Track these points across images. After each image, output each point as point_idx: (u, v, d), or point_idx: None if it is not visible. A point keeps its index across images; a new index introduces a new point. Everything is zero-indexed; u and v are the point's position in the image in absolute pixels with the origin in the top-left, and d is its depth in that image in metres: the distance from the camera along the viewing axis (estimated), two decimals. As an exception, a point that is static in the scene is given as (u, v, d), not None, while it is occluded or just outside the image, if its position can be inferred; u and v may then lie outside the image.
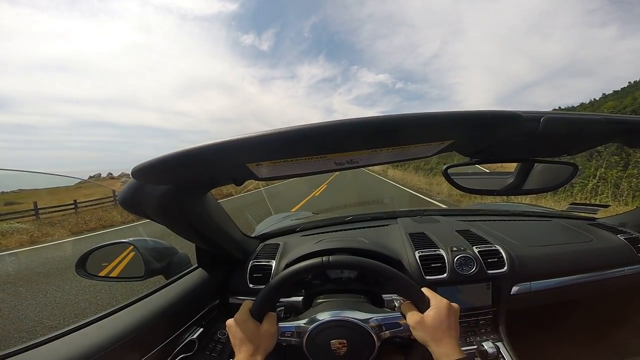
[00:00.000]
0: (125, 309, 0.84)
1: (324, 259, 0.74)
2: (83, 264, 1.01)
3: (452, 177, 0.78)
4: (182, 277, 1.03)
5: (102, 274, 1.03)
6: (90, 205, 13.36)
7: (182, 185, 0.64)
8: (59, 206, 12.47)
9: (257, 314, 0.71)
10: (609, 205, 1.77)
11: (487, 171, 0.87)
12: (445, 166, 0.78)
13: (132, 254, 1.05)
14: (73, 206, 12.82)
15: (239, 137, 0.44)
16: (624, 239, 1.27)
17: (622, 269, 1.17)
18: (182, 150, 0.47)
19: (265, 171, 0.56)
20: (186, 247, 1.15)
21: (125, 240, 1.02)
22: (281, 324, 0.73)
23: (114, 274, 1.05)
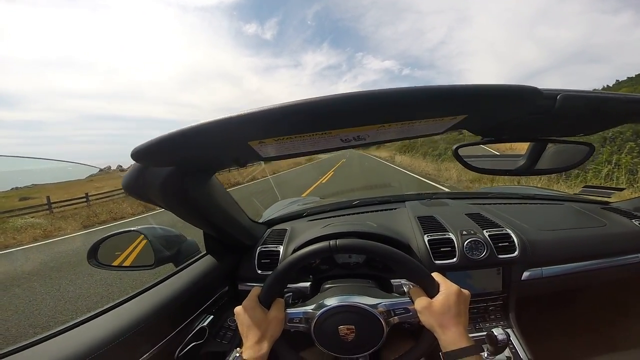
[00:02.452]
0: (136, 298, 0.85)
1: (330, 243, 0.72)
2: (94, 254, 1.02)
3: (463, 156, 0.76)
4: (190, 265, 1.04)
5: (114, 263, 1.04)
6: (102, 198, 13.55)
7: (185, 168, 0.64)
8: (71, 200, 12.67)
9: (265, 301, 0.70)
10: (624, 189, 1.72)
11: (498, 153, 0.84)
12: (455, 146, 0.75)
13: (141, 243, 1.06)
14: (85, 199, 13.00)
15: (240, 113, 0.42)
16: (639, 223, 1.23)
17: (637, 255, 1.14)
18: (181, 129, 0.45)
19: (269, 150, 0.54)
20: (195, 235, 1.16)
21: (135, 228, 1.03)
22: (289, 310, 0.73)
23: (125, 263, 1.06)
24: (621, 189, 1.66)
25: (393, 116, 0.46)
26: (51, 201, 11.86)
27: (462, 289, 0.66)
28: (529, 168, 0.78)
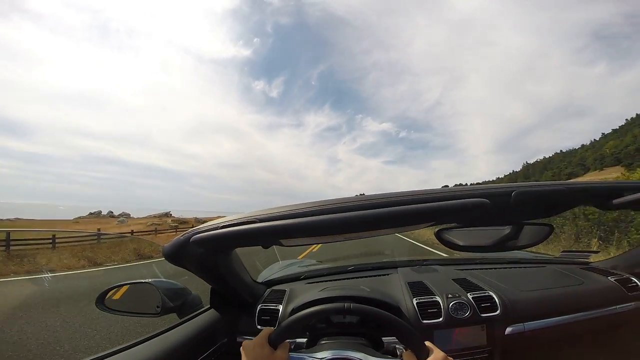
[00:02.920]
0: (144, 343, 0.91)
1: (345, 305, 0.84)
2: (102, 300, 1.10)
3: (444, 238, 0.89)
4: (195, 317, 1.10)
5: (120, 308, 1.11)
6: (69, 243, 12.54)
7: (222, 248, 0.80)
8: (36, 239, 11.77)
9: (275, 341, 0.77)
10: (599, 252, 1.84)
11: (477, 228, 0.97)
12: (437, 229, 0.88)
13: (142, 291, 1.13)
14: (50, 241, 12.09)
15: (280, 223, 0.60)
16: (614, 280, 1.33)
17: (614, 307, 1.23)
18: (235, 229, 0.63)
19: (291, 242, 0.71)
20: (195, 288, 1.24)
21: (145, 280, 1.11)
22: (292, 354, 0.79)
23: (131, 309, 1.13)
24: (596, 252, 1.77)
25: (382, 226, 0.62)
26: (10, 238, 10.89)
27: (448, 357, 0.72)
28: (502, 244, 0.90)
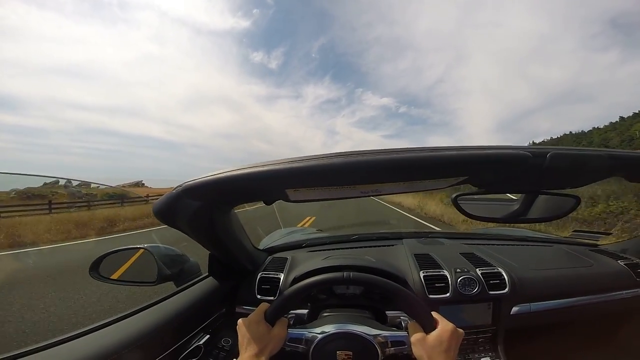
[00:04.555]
0: (139, 313, 0.87)
1: (345, 274, 0.78)
2: (96, 267, 1.05)
3: (461, 204, 0.83)
4: (193, 285, 1.06)
5: (115, 277, 1.06)
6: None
7: (217, 203, 0.70)
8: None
9: (271, 317, 0.73)
10: (611, 233, 1.79)
11: (495, 197, 0.92)
12: (454, 195, 0.82)
13: (138, 258, 1.09)
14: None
15: (286, 166, 0.51)
16: (624, 264, 1.29)
17: (621, 292, 1.20)
18: (232, 173, 0.53)
19: (299, 195, 0.61)
20: (195, 255, 1.19)
21: (141, 246, 1.06)
22: (291, 330, 0.76)
23: (127, 278, 1.08)
24: (608, 233, 1.73)
25: (407, 177, 0.54)
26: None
27: (457, 328, 0.69)
28: (520, 216, 0.85)
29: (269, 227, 2.08)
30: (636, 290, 1.21)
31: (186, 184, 0.60)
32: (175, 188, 0.63)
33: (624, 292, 1.20)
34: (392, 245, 1.50)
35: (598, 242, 1.66)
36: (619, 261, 1.32)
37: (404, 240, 1.57)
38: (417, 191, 0.70)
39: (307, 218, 8.83)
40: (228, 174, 0.54)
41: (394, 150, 0.51)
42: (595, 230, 1.75)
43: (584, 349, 1.33)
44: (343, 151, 0.52)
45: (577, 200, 0.79)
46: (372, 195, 0.66)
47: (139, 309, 0.89)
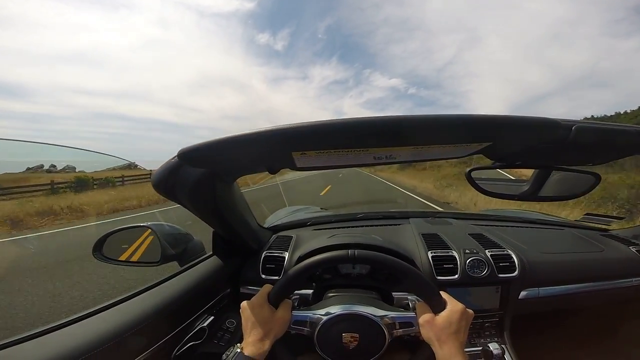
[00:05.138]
0: (140, 296, 0.86)
1: (349, 252, 0.75)
2: (100, 248, 1.04)
3: (475, 180, 0.79)
4: (196, 265, 1.05)
5: (119, 257, 1.05)
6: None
7: (219, 171, 0.66)
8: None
9: (275, 300, 0.72)
10: (624, 218, 1.75)
11: (509, 176, 0.88)
12: (469, 169, 0.78)
13: (148, 239, 1.07)
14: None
15: (292, 125, 0.46)
16: (636, 250, 1.27)
17: (631, 279, 1.18)
18: (233, 135, 0.49)
19: (307, 160, 0.57)
20: (200, 235, 1.18)
21: (144, 224, 1.04)
22: (295, 313, 0.74)
23: (132, 258, 1.07)
24: (621, 218, 1.69)
25: (429, 140, 0.50)
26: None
27: (467, 309, 0.67)
28: (533, 194, 0.80)
29: (275, 207, 2.06)
30: None
31: (183, 149, 0.55)
32: (174, 156, 0.60)
33: (634, 279, 1.18)
34: (399, 225, 1.48)
35: (609, 227, 1.63)
36: (630, 247, 1.29)
37: (411, 219, 1.55)
38: (432, 159, 0.66)
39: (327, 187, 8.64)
40: (231, 135, 0.50)
41: (408, 115, 0.47)
42: (607, 214, 1.70)
43: (591, 337, 1.32)
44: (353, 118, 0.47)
45: (598, 177, 0.74)
46: (386, 163, 0.61)
47: (141, 290, 0.88)
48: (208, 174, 0.65)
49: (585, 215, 1.72)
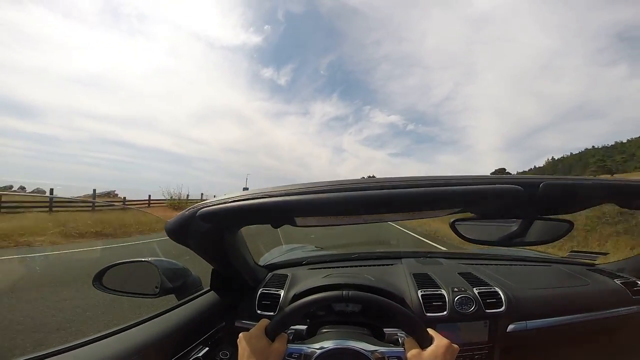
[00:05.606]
0: (140, 325, 0.89)
1: (344, 293, 0.80)
2: (100, 279, 1.07)
3: (458, 229, 0.86)
4: (194, 299, 1.08)
5: (118, 288, 1.08)
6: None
7: (228, 224, 0.75)
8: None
9: (272, 332, 0.75)
10: (608, 253, 1.81)
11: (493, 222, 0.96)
12: (452, 220, 0.86)
13: (141, 271, 1.10)
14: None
15: (296, 198, 0.56)
16: (620, 282, 1.30)
17: (618, 309, 1.21)
18: (245, 203, 0.58)
19: (305, 222, 0.66)
20: (196, 268, 1.21)
21: (145, 259, 1.08)
22: (290, 345, 0.77)
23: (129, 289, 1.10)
24: (605, 254, 1.74)
25: (407, 209, 0.59)
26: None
27: (452, 344, 0.71)
28: (515, 240, 0.88)
29: (271, 242, 2.09)
30: (632, 307, 1.22)
31: (202, 210, 0.64)
32: (189, 209, 0.68)
33: (621, 309, 1.21)
34: (392, 265, 1.52)
35: (595, 262, 1.67)
36: (615, 280, 1.33)
37: (403, 259, 1.60)
38: (416, 218, 0.75)
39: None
40: (242, 202, 0.59)
41: (396, 182, 0.56)
42: (592, 250, 1.76)
43: None
44: (349, 180, 0.57)
45: (571, 224, 0.82)
46: (374, 222, 0.71)
47: (139, 321, 0.90)
48: (218, 226, 0.73)
49: (570, 252, 1.78)
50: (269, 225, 0.72)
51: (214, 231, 0.75)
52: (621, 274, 1.40)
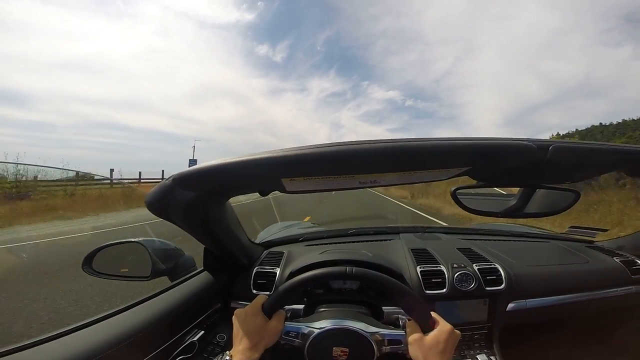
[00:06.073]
0: (132, 309, 0.86)
1: (347, 269, 0.77)
2: (89, 262, 1.03)
3: (460, 198, 0.82)
4: (186, 280, 1.05)
5: (109, 272, 1.04)
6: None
7: (210, 193, 0.68)
8: None
9: (269, 310, 0.73)
10: (608, 230, 1.80)
11: (494, 192, 0.92)
12: (454, 188, 0.81)
13: (132, 252, 1.07)
14: None
15: (281, 153, 0.49)
16: (620, 261, 1.30)
17: (616, 289, 1.20)
18: (223, 162, 0.52)
19: (296, 185, 0.60)
20: (191, 250, 1.18)
21: (135, 239, 1.04)
22: (288, 324, 0.75)
23: (121, 272, 1.07)
24: (605, 230, 1.73)
25: (407, 166, 0.53)
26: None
27: (455, 330, 0.69)
28: (518, 211, 0.84)
29: (266, 221, 2.07)
30: (630, 287, 1.22)
31: (178, 173, 0.58)
32: (169, 177, 0.61)
33: (619, 289, 1.21)
34: (390, 240, 1.50)
35: (594, 239, 1.67)
36: (614, 258, 1.32)
37: (401, 234, 1.58)
38: (417, 182, 0.68)
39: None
40: (221, 162, 0.53)
41: (395, 140, 0.50)
42: (592, 226, 1.75)
43: (579, 346, 1.34)
44: (342, 141, 0.50)
45: (577, 195, 0.78)
46: (371, 187, 0.64)
47: (132, 304, 0.88)
48: (200, 195, 0.67)
49: (570, 227, 1.77)
50: (264, 202, 0.67)
51: (197, 201, 0.68)
52: (620, 252, 1.40)
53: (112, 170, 17.48)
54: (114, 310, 0.83)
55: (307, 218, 8.21)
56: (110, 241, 1.05)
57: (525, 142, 0.53)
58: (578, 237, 1.70)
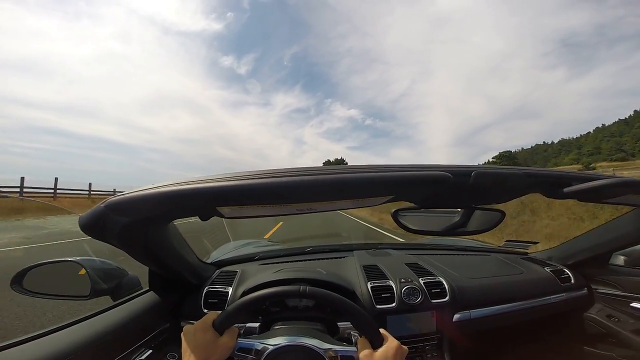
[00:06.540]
0: (70, 327, 0.80)
1: (301, 288, 0.78)
2: (19, 280, 0.95)
3: (399, 219, 0.88)
4: (131, 300, 0.99)
5: (43, 291, 0.97)
6: None
7: (148, 218, 0.66)
8: None
9: (220, 326, 0.71)
10: (538, 242, 1.99)
11: (434, 211, 0.99)
12: (394, 210, 0.87)
13: (69, 271, 0.99)
14: None
15: (214, 184, 0.50)
16: (550, 270, 1.43)
17: (549, 297, 1.32)
18: (159, 190, 0.52)
19: (233, 212, 0.60)
20: (136, 268, 1.12)
21: (71, 259, 0.97)
22: (241, 340, 0.74)
23: (57, 292, 0.99)
24: (535, 243, 1.92)
25: (336, 196, 0.57)
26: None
27: (402, 345, 0.73)
28: (455, 229, 0.92)
29: (220, 240, 2.02)
30: (562, 294, 1.34)
31: (109, 200, 0.56)
32: (103, 202, 0.59)
33: (552, 297, 1.32)
34: (343, 257, 1.54)
35: (528, 251, 1.83)
36: (545, 268, 1.46)
37: (354, 252, 1.62)
38: (349, 208, 0.72)
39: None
40: (155, 189, 0.53)
41: (324, 171, 0.53)
42: (525, 240, 1.93)
43: (523, 351, 1.43)
44: (278, 169, 0.53)
45: (503, 214, 0.88)
46: (308, 213, 0.66)
47: (68, 323, 0.82)
48: (137, 220, 0.64)
49: (505, 241, 1.93)
50: (216, 219, 0.67)
51: (134, 226, 0.66)
52: (550, 262, 1.54)
53: (22, 179, 16.68)
54: (52, 328, 0.77)
55: (268, 235, 8.06)
56: (44, 260, 0.97)
57: (442, 173, 0.58)
58: (514, 249, 1.86)
